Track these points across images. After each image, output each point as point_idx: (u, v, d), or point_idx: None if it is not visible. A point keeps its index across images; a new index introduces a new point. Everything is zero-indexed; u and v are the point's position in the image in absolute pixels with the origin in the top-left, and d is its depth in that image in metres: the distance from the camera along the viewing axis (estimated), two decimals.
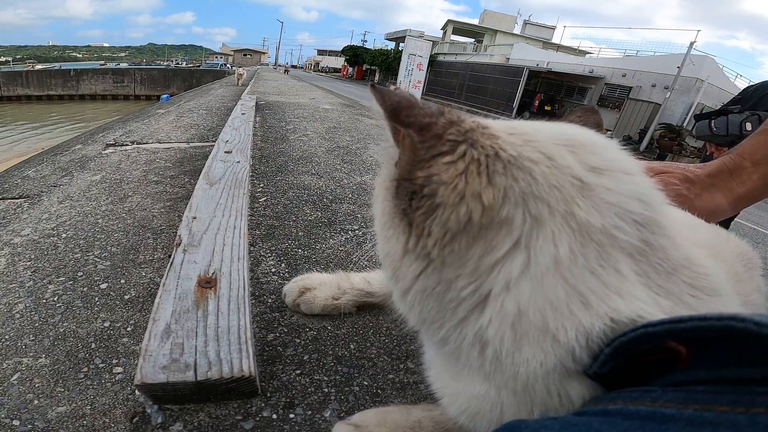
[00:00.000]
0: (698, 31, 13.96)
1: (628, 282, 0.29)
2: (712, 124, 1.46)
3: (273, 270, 0.92)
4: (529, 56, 20.38)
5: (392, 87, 0.34)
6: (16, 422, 0.53)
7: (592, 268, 0.28)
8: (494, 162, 0.29)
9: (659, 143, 12.33)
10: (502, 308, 0.29)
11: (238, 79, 7.94)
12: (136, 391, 0.59)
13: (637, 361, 0.27)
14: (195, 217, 0.94)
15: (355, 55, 38.06)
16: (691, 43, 12.40)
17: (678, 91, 13.07)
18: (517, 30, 31.21)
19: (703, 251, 0.35)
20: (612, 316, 0.27)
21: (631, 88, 15.23)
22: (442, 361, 0.40)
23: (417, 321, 0.36)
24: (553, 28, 32.66)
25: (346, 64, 44.22)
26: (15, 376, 0.60)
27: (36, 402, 0.56)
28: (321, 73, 50.70)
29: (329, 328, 0.75)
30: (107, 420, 0.55)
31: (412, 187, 0.31)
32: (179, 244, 0.81)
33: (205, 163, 1.45)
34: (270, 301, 0.81)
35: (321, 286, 0.78)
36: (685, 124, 13.04)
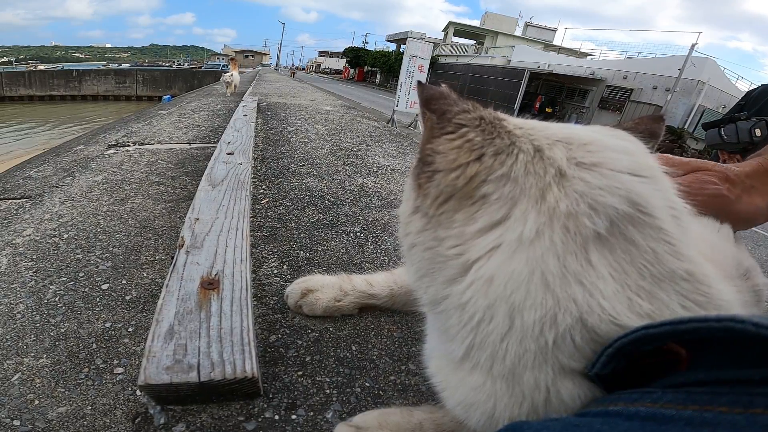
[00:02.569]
0: (699, 33, 13.98)
1: (595, 273, 0.29)
2: (722, 132, 1.46)
3: (275, 272, 0.92)
4: (530, 58, 20.42)
5: (442, 85, 0.40)
6: (16, 422, 0.53)
7: (556, 251, 0.30)
8: (488, 146, 0.34)
9: (660, 145, 12.35)
10: (478, 273, 0.32)
11: (228, 87, 5.43)
12: (137, 392, 0.59)
13: (638, 362, 0.27)
14: (197, 219, 0.94)
15: (356, 56, 38.14)
16: (693, 45, 12.42)
17: (679, 93, 13.09)
18: (518, 32, 31.29)
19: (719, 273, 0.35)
20: (570, 306, 0.29)
21: (632, 90, 15.25)
22: (437, 340, 0.42)
23: (416, 275, 0.39)
24: (554, 30, 32.72)
25: (347, 65, 44.27)
26: (16, 377, 0.60)
27: (37, 402, 0.56)
28: (322, 75, 50.79)
29: (331, 329, 0.75)
30: (108, 420, 0.55)
31: (423, 157, 0.37)
32: (182, 246, 0.81)
33: (206, 164, 1.45)
34: (272, 302, 0.81)
35: (323, 287, 0.78)
36: (686, 127, 13.04)
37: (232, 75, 5.45)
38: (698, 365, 0.25)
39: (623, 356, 0.26)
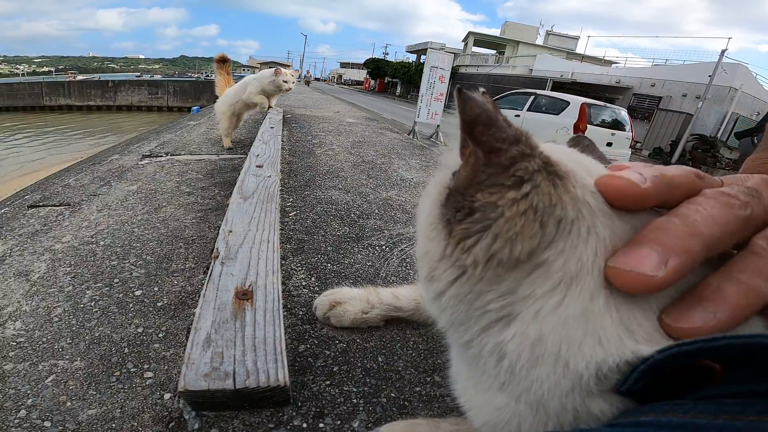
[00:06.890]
0: (729, 38, 13.50)
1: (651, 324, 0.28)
2: (755, 141, 1.43)
3: (303, 283, 0.94)
4: (552, 67, 20.17)
5: (481, 90, 0.32)
6: (47, 423, 0.55)
7: (621, 321, 0.28)
8: (551, 212, 0.29)
9: (692, 155, 11.91)
10: (526, 331, 0.30)
11: (226, 136, 2.33)
12: (164, 396, 0.60)
13: (671, 377, 0.27)
14: (231, 231, 0.96)
15: (376, 67, 38.41)
16: (723, 51, 12.04)
17: (710, 101, 12.67)
18: (539, 41, 31.02)
19: None
20: (628, 354, 0.27)
21: (660, 98, 14.84)
22: (465, 369, 0.41)
23: (446, 323, 0.37)
24: (576, 38, 32.31)
25: (368, 76, 44.69)
26: (50, 378, 0.62)
27: (68, 404, 0.58)
28: (343, 86, 51.43)
29: (358, 340, 0.76)
30: (135, 424, 0.56)
31: (464, 203, 0.31)
32: (217, 257, 0.83)
33: (233, 176, 1.49)
34: (301, 313, 0.82)
35: (351, 300, 0.78)
36: (719, 135, 12.61)
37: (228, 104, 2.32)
38: (732, 379, 0.25)
39: (655, 373, 0.26)
